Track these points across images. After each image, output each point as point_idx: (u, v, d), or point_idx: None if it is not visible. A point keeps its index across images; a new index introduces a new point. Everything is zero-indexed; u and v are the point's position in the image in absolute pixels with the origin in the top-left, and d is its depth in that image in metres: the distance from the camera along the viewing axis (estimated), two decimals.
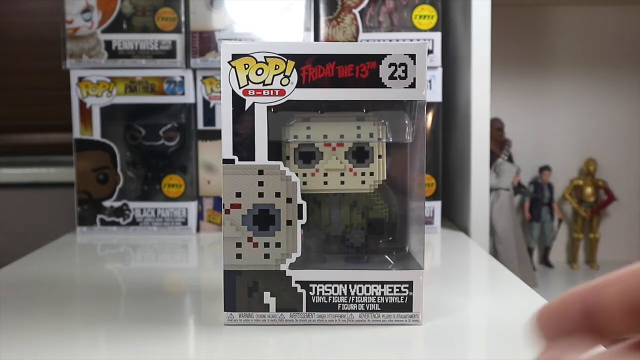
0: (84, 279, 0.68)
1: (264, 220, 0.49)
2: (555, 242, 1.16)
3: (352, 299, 0.49)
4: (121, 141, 0.90)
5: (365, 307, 0.49)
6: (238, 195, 0.48)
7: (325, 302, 0.49)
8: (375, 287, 0.49)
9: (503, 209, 1.00)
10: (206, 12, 0.89)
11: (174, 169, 0.91)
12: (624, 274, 0.20)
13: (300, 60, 0.48)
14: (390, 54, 0.48)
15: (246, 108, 0.48)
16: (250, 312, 0.49)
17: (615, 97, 1.16)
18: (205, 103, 0.90)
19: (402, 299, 0.49)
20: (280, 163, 0.49)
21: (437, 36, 0.88)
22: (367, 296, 0.49)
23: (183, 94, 0.89)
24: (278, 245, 0.49)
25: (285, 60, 0.48)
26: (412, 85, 0.48)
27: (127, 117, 0.90)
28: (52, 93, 1.23)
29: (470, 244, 0.85)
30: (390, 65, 0.48)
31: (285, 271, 0.49)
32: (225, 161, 0.48)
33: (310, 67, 0.48)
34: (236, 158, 0.48)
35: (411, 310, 0.49)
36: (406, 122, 0.51)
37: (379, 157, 0.51)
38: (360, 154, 0.51)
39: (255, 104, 0.48)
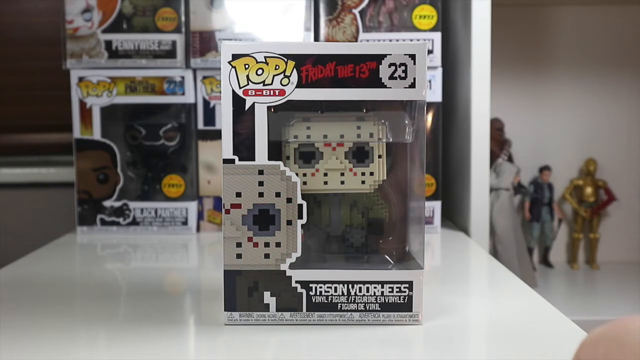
0: (84, 279, 0.68)
1: (264, 220, 0.49)
2: (555, 242, 1.16)
3: (352, 299, 0.49)
4: (121, 141, 0.90)
5: (365, 307, 0.49)
6: (238, 195, 0.48)
7: (325, 302, 0.49)
8: (375, 287, 0.49)
9: (503, 209, 1.00)
10: (206, 12, 0.89)
11: (174, 169, 0.91)
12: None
13: (300, 60, 0.48)
14: (390, 54, 0.48)
15: (246, 108, 0.48)
16: (250, 312, 0.49)
17: (615, 97, 1.16)
18: (205, 103, 0.90)
19: (402, 299, 0.49)
20: (281, 163, 0.49)
21: (437, 36, 0.88)
22: (367, 296, 0.49)
23: (183, 94, 0.89)
24: (278, 245, 0.49)
25: (285, 60, 0.48)
26: (412, 85, 0.48)
27: (127, 117, 0.90)
28: (52, 93, 1.23)
29: (470, 244, 0.85)
30: (390, 65, 0.48)
31: (285, 271, 0.49)
32: (226, 161, 0.48)
33: (310, 67, 0.48)
34: (236, 158, 0.48)
35: (411, 310, 0.49)
36: (406, 122, 0.51)
37: (379, 157, 0.51)
38: (360, 154, 0.51)
39: (255, 104, 0.48)
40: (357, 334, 0.48)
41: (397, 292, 0.49)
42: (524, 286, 0.62)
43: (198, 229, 0.92)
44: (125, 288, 0.63)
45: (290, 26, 0.89)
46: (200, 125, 0.90)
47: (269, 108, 0.48)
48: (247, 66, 0.48)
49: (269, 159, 0.48)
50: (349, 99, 0.48)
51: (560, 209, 1.16)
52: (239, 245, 0.49)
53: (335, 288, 0.49)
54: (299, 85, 0.48)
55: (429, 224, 0.90)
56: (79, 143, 0.90)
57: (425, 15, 0.88)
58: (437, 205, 0.91)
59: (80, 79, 0.89)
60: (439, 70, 0.89)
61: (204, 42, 0.89)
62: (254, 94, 0.48)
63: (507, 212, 1.01)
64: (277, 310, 0.49)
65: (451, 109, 0.98)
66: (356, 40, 0.88)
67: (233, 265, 0.49)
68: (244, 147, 0.48)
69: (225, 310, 0.49)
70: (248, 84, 0.48)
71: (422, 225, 0.51)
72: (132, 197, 0.90)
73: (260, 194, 0.48)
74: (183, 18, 0.89)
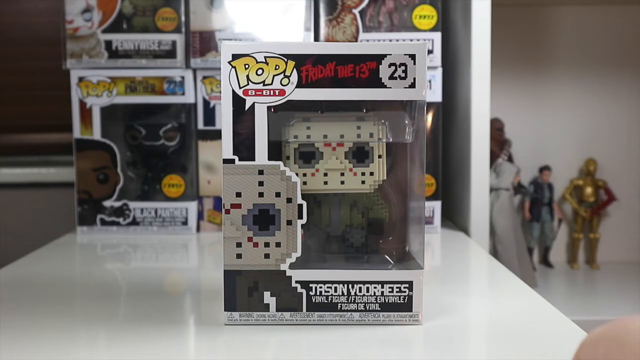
0: (84, 279, 0.68)
1: (264, 220, 0.49)
2: (555, 242, 1.16)
3: (352, 299, 0.49)
4: (121, 141, 0.90)
5: (365, 307, 0.49)
6: (238, 195, 0.48)
7: (325, 302, 0.49)
8: (375, 287, 0.49)
9: (503, 209, 1.00)
10: (206, 12, 0.89)
11: (174, 169, 0.91)
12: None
13: (300, 60, 0.48)
14: (390, 54, 0.48)
15: (246, 108, 0.48)
16: (250, 312, 0.49)
17: (615, 97, 1.16)
18: (205, 103, 0.90)
19: (402, 299, 0.49)
20: (281, 163, 0.49)
21: (437, 36, 0.88)
22: (367, 296, 0.49)
23: (183, 94, 0.89)
24: (278, 245, 0.49)
25: (285, 60, 0.48)
26: (412, 85, 0.48)
27: (127, 117, 0.90)
28: (52, 93, 1.23)
29: (470, 244, 0.85)
30: (390, 65, 0.48)
31: (285, 271, 0.49)
32: (226, 161, 0.48)
33: (310, 67, 0.48)
34: (236, 158, 0.48)
35: (411, 310, 0.49)
36: (406, 122, 0.51)
37: (379, 157, 0.51)
38: (360, 154, 0.51)
39: (255, 104, 0.48)
40: (357, 334, 0.48)
41: (397, 292, 0.49)
42: (524, 286, 0.62)
43: (198, 229, 0.92)
44: (125, 288, 0.63)
45: (290, 26, 0.89)
46: (200, 125, 0.90)
47: (269, 108, 0.48)
48: (247, 66, 0.48)
49: (269, 159, 0.48)
50: (349, 99, 0.48)
51: (560, 209, 1.16)
52: (239, 245, 0.49)
53: (335, 288, 0.49)
54: (299, 85, 0.48)
55: (429, 224, 0.90)
56: (79, 143, 0.90)
57: (425, 15, 0.88)
58: (437, 205, 0.91)
59: (80, 79, 0.89)
60: (439, 70, 0.89)
61: (204, 42, 0.89)
62: (254, 94, 0.48)
63: (507, 212, 1.01)
64: (277, 310, 0.49)
65: (451, 109, 0.98)
66: (356, 40, 0.88)
67: (233, 265, 0.49)
68: (244, 147, 0.48)
69: (225, 310, 0.49)
70: (248, 84, 0.48)
71: (422, 225, 0.51)
72: (132, 197, 0.90)
73: (260, 194, 0.48)
74: (183, 18, 0.89)
